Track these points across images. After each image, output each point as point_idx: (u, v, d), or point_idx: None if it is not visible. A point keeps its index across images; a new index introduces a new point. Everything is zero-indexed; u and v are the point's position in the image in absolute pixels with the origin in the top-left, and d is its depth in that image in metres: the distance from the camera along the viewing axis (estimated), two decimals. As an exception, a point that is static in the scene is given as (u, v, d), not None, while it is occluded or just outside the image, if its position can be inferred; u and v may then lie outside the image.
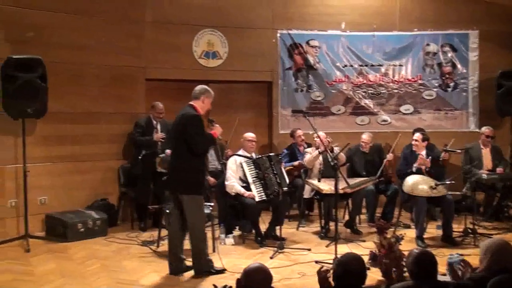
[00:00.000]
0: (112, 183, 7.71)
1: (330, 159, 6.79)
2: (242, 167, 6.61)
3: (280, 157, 6.94)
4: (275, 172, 6.57)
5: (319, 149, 7.06)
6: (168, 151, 7.24)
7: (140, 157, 7.18)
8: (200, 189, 5.18)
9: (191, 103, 5.24)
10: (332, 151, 6.81)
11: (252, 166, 6.60)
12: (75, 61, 7.36)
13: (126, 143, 7.79)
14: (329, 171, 6.82)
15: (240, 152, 6.82)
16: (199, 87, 5.30)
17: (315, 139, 7.26)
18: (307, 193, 7.13)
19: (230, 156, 6.95)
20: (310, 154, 7.24)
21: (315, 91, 8.79)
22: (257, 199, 6.40)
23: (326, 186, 6.55)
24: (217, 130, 5.34)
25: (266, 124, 8.88)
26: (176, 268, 5.33)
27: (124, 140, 7.78)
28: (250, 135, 6.88)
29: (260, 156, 6.78)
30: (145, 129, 7.38)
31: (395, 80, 8.85)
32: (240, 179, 6.63)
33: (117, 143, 7.77)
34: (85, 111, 7.51)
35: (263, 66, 8.62)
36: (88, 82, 7.52)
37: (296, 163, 7.68)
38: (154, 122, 7.45)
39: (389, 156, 7.45)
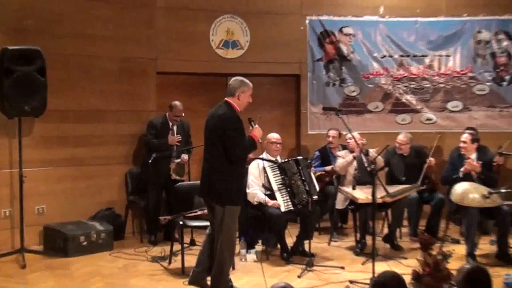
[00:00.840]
0: (119, 190, 7.72)
1: (366, 164, 6.80)
2: (265, 172, 6.55)
3: (309, 161, 6.88)
4: (303, 178, 6.51)
5: (354, 154, 6.99)
6: (184, 157, 7.24)
7: (150, 161, 7.15)
8: (238, 199, 5.13)
9: (226, 99, 5.18)
10: (367, 154, 6.75)
11: (277, 172, 6.55)
12: (77, 52, 7.39)
13: (135, 145, 7.82)
14: (365, 177, 6.80)
15: (264, 155, 6.76)
16: (233, 81, 5.23)
17: (348, 140, 7.18)
18: (340, 203, 7.06)
19: (252, 160, 6.87)
20: (342, 158, 7.17)
21: (349, 85, 8.76)
22: (282, 209, 6.35)
23: (362, 194, 6.48)
24: (257, 132, 5.22)
25: (293, 123, 8.87)
26: (198, 278, 5.30)
27: (133, 142, 7.81)
28: (274, 136, 6.83)
29: (286, 160, 6.73)
30: (159, 131, 7.37)
31: (441, 73, 8.79)
32: (263, 186, 6.59)
33: (125, 145, 7.79)
34: (89, 109, 7.54)
35: (289, 57, 8.59)
36: (92, 76, 7.55)
37: (328, 168, 7.63)
38: (170, 123, 7.44)
39: (430, 160, 7.32)
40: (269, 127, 7.80)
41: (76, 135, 7.45)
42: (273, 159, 6.68)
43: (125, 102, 7.76)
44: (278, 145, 6.78)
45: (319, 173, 7.59)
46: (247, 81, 5.21)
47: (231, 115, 5.05)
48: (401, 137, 7.52)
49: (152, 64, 7.94)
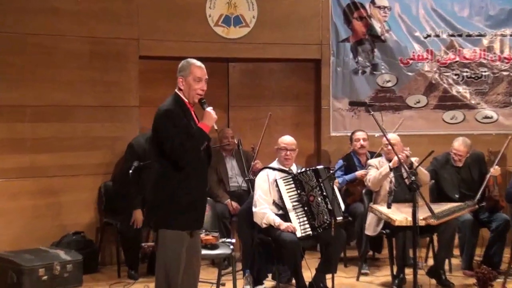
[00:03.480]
0: (90, 209, 7.66)
1: (405, 175, 6.62)
2: (277, 186, 6.41)
3: (332, 172, 6.69)
4: (325, 193, 6.41)
5: (390, 164, 6.80)
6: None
7: (131, 171, 6.99)
8: (179, 220, 4.80)
9: (175, 90, 5.00)
10: (411, 167, 6.59)
11: (292, 185, 6.43)
12: (37, 31, 7.33)
13: (112, 151, 7.74)
14: (403, 192, 6.64)
15: (275, 164, 6.63)
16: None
17: (387, 146, 7.00)
18: (371, 228, 6.88)
19: (260, 170, 6.83)
20: (375, 169, 6.98)
21: (383, 73, 8.67)
22: (298, 234, 6.24)
23: (400, 215, 6.29)
24: (207, 119, 4.87)
25: (311, 122, 8.82)
26: None
27: (109, 146, 7.74)
28: (284, 140, 6.64)
29: (303, 170, 6.60)
30: (141, 157, 7.12)
31: (505, 57, 8.72)
32: (275, 203, 6.44)
33: (99, 151, 7.72)
34: (52, 104, 7.45)
35: (307, 37, 8.50)
36: (57, 62, 7.48)
37: (360, 173, 7.51)
38: None
39: (494, 171, 7.24)
40: (281, 127, 8.12)
41: (35, 138, 7.35)
42: (286, 169, 6.53)
43: (98, 95, 7.69)
44: (289, 152, 6.57)
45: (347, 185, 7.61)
46: (191, 60, 4.93)
47: (162, 111, 4.79)
48: (458, 146, 7.33)
49: (133, 46, 7.89)
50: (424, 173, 6.78)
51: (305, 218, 6.30)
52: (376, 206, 6.73)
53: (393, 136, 6.78)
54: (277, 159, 6.65)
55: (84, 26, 7.54)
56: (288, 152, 6.56)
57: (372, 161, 7.19)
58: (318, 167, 6.66)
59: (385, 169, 6.80)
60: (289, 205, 6.32)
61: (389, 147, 6.77)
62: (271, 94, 8.64)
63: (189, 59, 4.92)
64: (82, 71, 7.57)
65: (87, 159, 7.59)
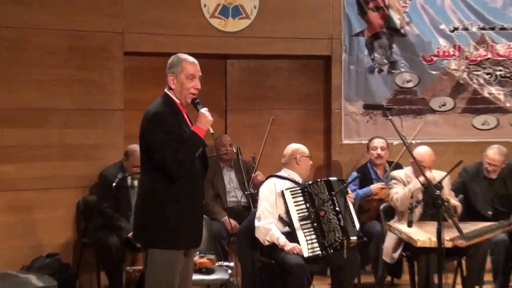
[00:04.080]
0: (67, 228, 7.59)
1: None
2: (283, 198, 6.35)
3: (345, 184, 6.58)
4: (337, 209, 6.31)
5: (420, 178, 6.56)
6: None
7: (114, 184, 6.94)
8: (170, 239, 4.74)
9: (165, 90, 4.95)
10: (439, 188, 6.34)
11: (301, 198, 6.39)
12: (6, 24, 7.31)
13: (92, 161, 7.69)
14: (429, 209, 6.62)
15: (282, 173, 6.59)
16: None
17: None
18: (388, 253, 6.77)
19: (261, 182, 6.82)
20: (402, 184, 6.83)
21: (403, 72, 8.62)
22: (306, 253, 6.14)
23: (423, 234, 6.15)
24: (202, 123, 4.80)
25: (321, 127, 8.78)
26: None
27: (89, 156, 7.71)
28: (305, 148, 6.66)
29: (313, 181, 6.55)
30: (115, 190, 7.05)
31: None
32: (280, 218, 6.40)
33: (76, 160, 7.67)
34: (22, 107, 7.42)
35: (316, 31, 8.43)
36: (29, 58, 7.47)
37: (376, 186, 7.51)
38: (129, 179, 7.27)
39: None
40: (286, 133, 8.21)
41: (2, 146, 7.30)
42: (300, 179, 6.48)
43: (77, 97, 7.65)
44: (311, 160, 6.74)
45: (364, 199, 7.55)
46: (182, 56, 4.91)
47: (150, 114, 4.74)
48: (492, 155, 7.25)
49: (117, 41, 7.87)
50: (456, 205, 6.70)
51: (313, 236, 6.23)
52: (395, 224, 6.59)
53: (423, 149, 6.67)
54: (284, 168, 6.58)
55: (60, 17, 7.52)
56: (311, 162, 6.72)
57: (397, 174, 6.98)
58: (331, 178, 6.61)
59: (415, 185, 6.64)
60: (296, 220, 6.26)
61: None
62: (275, 96, 8.59)
63: (179, 54, 4.89)
64: (58, 70, 7.54)
65: (63, 170, 7.53)
